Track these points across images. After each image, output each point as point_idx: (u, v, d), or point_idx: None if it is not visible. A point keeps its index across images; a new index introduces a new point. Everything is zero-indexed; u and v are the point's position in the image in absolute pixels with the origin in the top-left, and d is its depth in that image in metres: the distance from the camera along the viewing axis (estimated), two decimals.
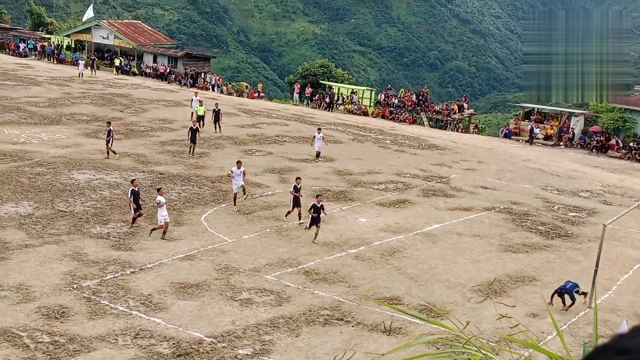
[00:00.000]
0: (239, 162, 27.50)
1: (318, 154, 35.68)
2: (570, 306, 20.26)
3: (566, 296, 20.31)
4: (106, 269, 20.40)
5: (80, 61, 60.71)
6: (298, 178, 26.76)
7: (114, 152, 32.47)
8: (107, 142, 32.30)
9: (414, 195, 31.15)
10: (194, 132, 34.16)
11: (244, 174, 27.07)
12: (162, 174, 30.69)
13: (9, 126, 37.33)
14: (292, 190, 26.09)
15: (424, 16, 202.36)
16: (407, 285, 21.09)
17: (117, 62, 64.94)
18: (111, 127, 32.62)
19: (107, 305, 18.22)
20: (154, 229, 23.37)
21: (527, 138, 48.91)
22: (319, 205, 23.99)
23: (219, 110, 40.39)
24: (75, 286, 19.12)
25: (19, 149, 32.79)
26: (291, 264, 22.06)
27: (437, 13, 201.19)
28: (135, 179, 25.44)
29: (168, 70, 63.83)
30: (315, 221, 24.03)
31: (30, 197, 26.10)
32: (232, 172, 26.92)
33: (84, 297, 18.55)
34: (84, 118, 40.99)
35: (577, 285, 20.39)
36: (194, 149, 34.48)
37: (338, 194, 30.27)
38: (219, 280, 20.41)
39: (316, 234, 24.13)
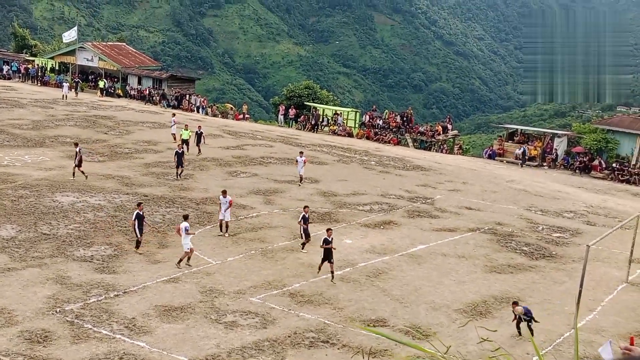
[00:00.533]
0: (224, 192, 26.96)
1: (301, 178, 35.52)
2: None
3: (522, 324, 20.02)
4: (90, 292, 20.24)
5: (64, 83, 60.58)
6: (306, 207, 26.24)
7: (82, 172, 32.18)
8: (76, 164, 32.14)
9: (399, 216, 31.19)
10: (179, 155, 33.91)
11: (230, 203, 26.59)
12: (147, 195, 30.56)
13: None
14: (300, 220, 25.37)
15: (408, 38, 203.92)
16: (393, 307, 21.06)
17: (101, 84, 64.90)
18: (79, 148, 32.56)
19: (91, 329, 18.06)
20: (180, 260, 23.04)
21: (521, 162, 48.46)
22: (330, 239, 22.83)
23: (202, 132, 40.42)
24: (58, 310, 18.95)
25: (2, 171, 32.57)
26: (276, 286, 21.98)
27: (421, 35, 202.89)
28: (141, 203, 25.05)
29: (153, 92, 63.82)
30: (328, 257, 22.70)
31: (13, 220, 25.90)
32: (220, 199, 26.71)
33: (67, 320, 18.37)
34: (67, 140, 40.80)
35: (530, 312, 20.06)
36: (181, 172, 34.10)
37: (323, 215, 30.26)
38: (204, 302, 20.30)
39: (332, 273, 22.72)
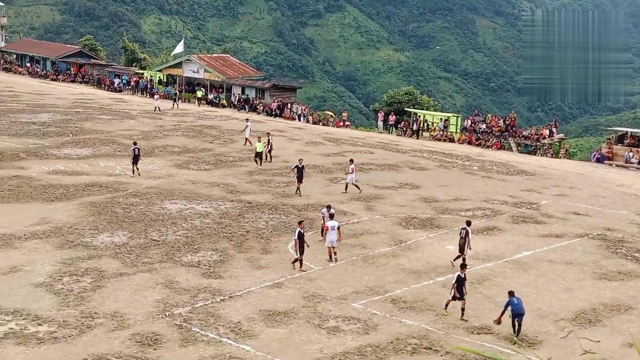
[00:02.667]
0: (328, 207, 26.55)
1: (347, 187, 33.98)
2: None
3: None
4: (197, 297, 20.85)
5: (155, 95, 62.39)
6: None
7: (137, 169, 35.09)
8: (133, 161, 34.99)
9: (503, 222, 30.60)
10: (300, 170, 32.91)
11: (331, 217, 25.49)
12: (250, 202, 31.22)
13: (105, 159, 38.83)
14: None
15: (511, 41, 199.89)
16: (497, 314, 20.66)
17: (199, 93, 66.86)
18: (136, 147, 35.29)
19: (198, 332, 18.60)
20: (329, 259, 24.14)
21: (637, 166, 46.37)
22: (462, 276, 20.76)
23: (270, 139, 40.58)
24: (167, 314, 19.62)
25: (114, 180, 34.03)
26: (378, 292, 21.99)
27: (525, 37, 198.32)
28: (302, 221, 24.65)
29: (256, 102, 65.15)
30: (460, 291, 20.60)
31: (125, 226, 27.01)
32: (322, 212, 26.72)
33: (176, 324, 19.00)
34: (175, 150, 42.22)
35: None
36: (298, 187, 33.11)
37: (424, 221, 30.06)
38: (307, 308, 20.54)
39: (463, 310, 20.55)
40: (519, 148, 53.14)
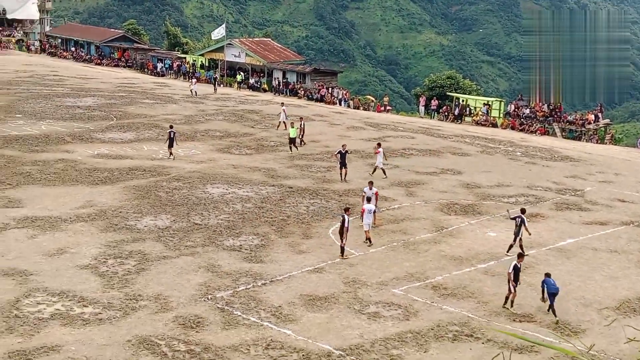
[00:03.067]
0: (370, 183, 27.52)
1: (375, 169, 33.99)
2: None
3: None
4: (239, 281, 21.04)
5: (193, 79, 62.76)
6: (522, 210, 24.78)
7: (171, 153, 35.47)
8: (168, 144, 35.50)
9: (547, 209, 30.23)
10: (343, 155, 32.68)
11: (376, 196, 26.81)
12: (291, 187, 31.33)
13: (148, 143, 39.27)
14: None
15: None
16: (540, 303, 20.47)
17: (238, 77, 67.17)
18: (172, 130, 35.65)
19: (240, 315, 18.78)
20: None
21: None
22: (519, 266, 20.18)
23: (303, 124, 40.72)
24: (209, 297, 19.84)
25: (157, 164, 34.42)
26: (419, 278, 21.94)
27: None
28: (349, 208, 24.21)
29: (297, 86, 65.21)
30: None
31: (168, 210, 27.33)
32: (364, 192, 26.97)
33: (218, 307, 19.20)
34: (217, 134, 42.51)
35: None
36: (345, 173, 33.01)
37: (466, 207, 29.85)
38: (347, 293, 20.59)
39: (509, 300, 20.14)
40: (564, 133, 52.37)
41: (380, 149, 33.88)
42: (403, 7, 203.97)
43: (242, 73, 68.57)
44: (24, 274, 20.67)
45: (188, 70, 72.47)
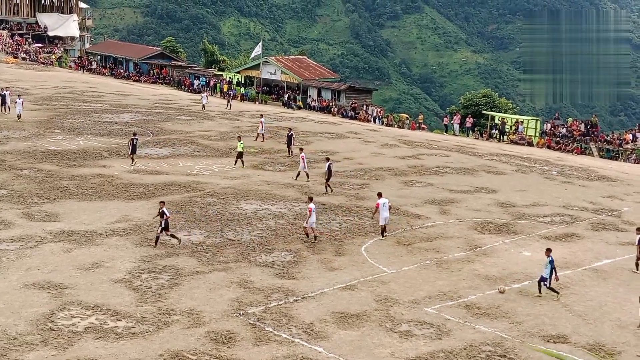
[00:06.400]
0: (379, 194, 27.82)
1: (298, 174, 35.82)
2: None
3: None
4: (270, 297, 21.08)
5: (203, 94, 62.92)
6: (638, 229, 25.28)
7: (132, 159, 36.70)
8: (131, 151, 36.67)
9: (583, 229, 29.84)
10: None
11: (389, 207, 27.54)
12: (324, 204, 31.35)
13: (184, 158, 39.65)
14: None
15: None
16: (575, 323, 20.19)
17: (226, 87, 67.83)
18: (136, 137, 37.27)
19: (271, 332, 18.80)
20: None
21: None
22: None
23: (292, 135, 42.36)
24: (241, 312, 19.90)
25: (192, 180, 34.72)
26: (451, 297, 21.77)
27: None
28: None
29: (332, 104, 65.39)
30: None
31: (202, 226, 27.52)
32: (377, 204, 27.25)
33: (250, 323, 19.25)
34: (251, 151, 42.76)
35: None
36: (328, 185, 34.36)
37: (501, 226, 29.59)
38: (379, 311, 20.50)
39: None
40: (601, 153, 51.74)
41: (303, 154, 35.65)
42: (439, 25, 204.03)
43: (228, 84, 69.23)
44: (59, 287, 20.95)
45: (216, 86, 73.15)
